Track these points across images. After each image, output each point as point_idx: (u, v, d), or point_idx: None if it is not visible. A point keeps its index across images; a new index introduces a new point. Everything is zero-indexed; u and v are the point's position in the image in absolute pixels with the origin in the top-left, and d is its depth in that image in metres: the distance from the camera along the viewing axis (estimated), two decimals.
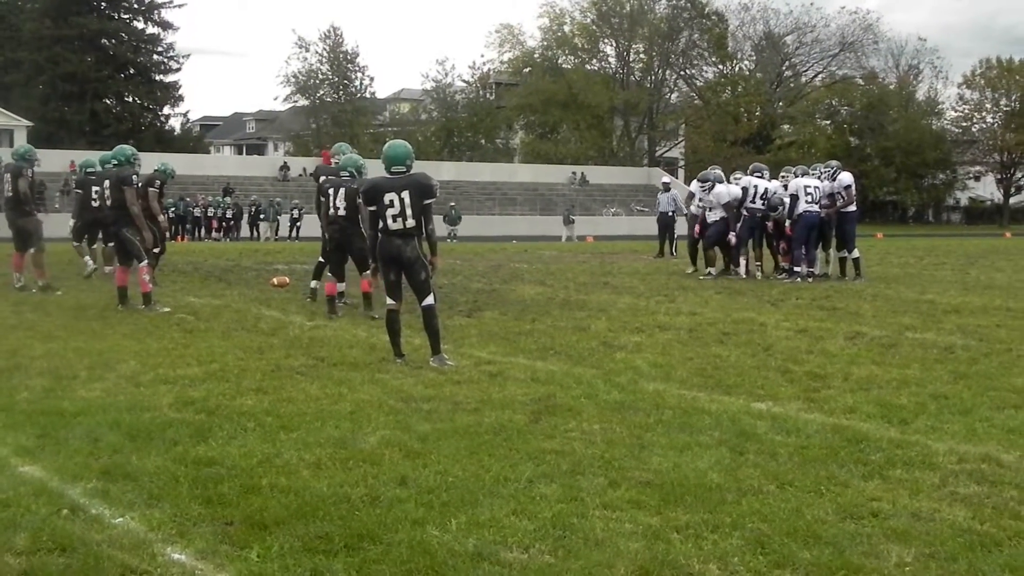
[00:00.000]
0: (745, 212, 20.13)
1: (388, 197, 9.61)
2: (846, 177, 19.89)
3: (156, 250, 17.41)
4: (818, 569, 4.69)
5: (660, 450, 6.66)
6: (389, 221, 9.61)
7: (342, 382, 8.86)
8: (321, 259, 14.90)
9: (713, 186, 20.64)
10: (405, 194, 9.58)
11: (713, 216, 20.51)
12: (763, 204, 20.03)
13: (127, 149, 14.44)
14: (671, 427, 7.32)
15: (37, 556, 4.79)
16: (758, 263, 20.73)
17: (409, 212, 9.58)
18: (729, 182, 21.19)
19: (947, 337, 12.04)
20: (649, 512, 5.43)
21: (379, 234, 9.73)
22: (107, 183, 13.91)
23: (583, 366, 9.89)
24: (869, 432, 7.21)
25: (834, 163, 20.92)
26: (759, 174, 20.67)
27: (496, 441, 6.86)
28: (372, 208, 9.77)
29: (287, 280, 17.99)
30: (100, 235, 18.99)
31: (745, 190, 20.25)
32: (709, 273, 20.41)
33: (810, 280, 19.30)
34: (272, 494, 5.64)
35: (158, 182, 17.62)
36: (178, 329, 12.14)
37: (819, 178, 19.61)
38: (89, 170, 19.13)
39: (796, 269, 19.59)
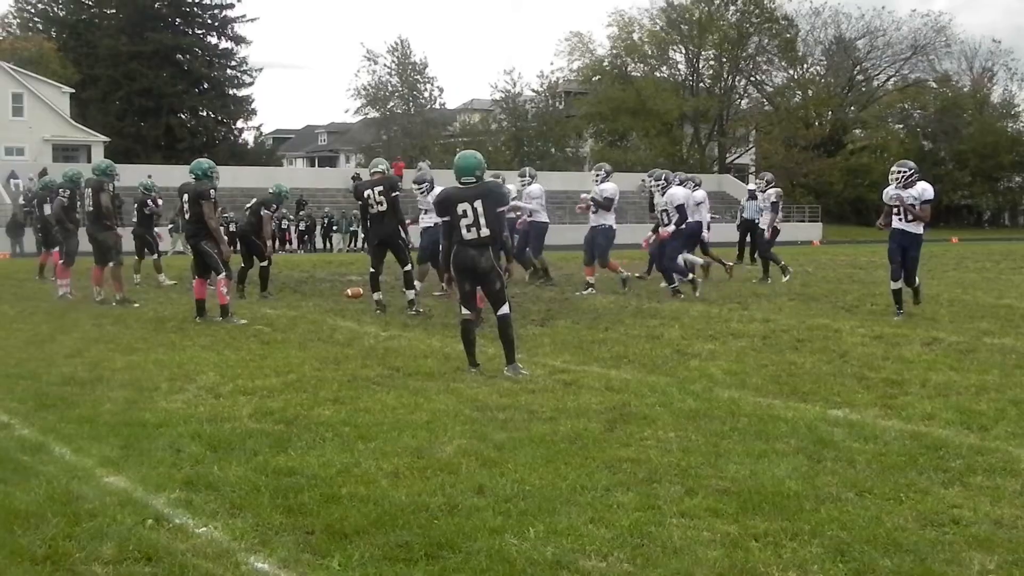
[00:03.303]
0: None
1: (461, 207, 9.68)
2: (928, 188, 14.24)
3: (263, 264, 17.83)
4: None
5: (736, 458, 6.65)
6: (463, 231, 9.68)
7: (418, 392, 8.92)
8: (372, 270, 15.17)
9: (431, 187, 18.07)
10: (478, 203, 9.64)
11: (427, 221, 18.55)
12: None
13: (204, 163, 14.51)
14: (747, 435, 7.30)
15: (124, 565, 4.89)
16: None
17: (483, 221, 9.63)
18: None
19: None
20: (727, 520, 5.42)
21: (454, 244, 9.82)
22: (186, 197, 14.11)
23: (657, 374, 9.87)
24: (948, 439, 7.14)
25: (909, 163, 14.64)
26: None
27: (572, 449, 6.89)
28: (446, 219, 9.86)
29: (360, 291, 18.09)
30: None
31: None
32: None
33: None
34: (352, 503, 5.71)
35: (275, 205, 18.03)
36: (255, 340, 12.28)
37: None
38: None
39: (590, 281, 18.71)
